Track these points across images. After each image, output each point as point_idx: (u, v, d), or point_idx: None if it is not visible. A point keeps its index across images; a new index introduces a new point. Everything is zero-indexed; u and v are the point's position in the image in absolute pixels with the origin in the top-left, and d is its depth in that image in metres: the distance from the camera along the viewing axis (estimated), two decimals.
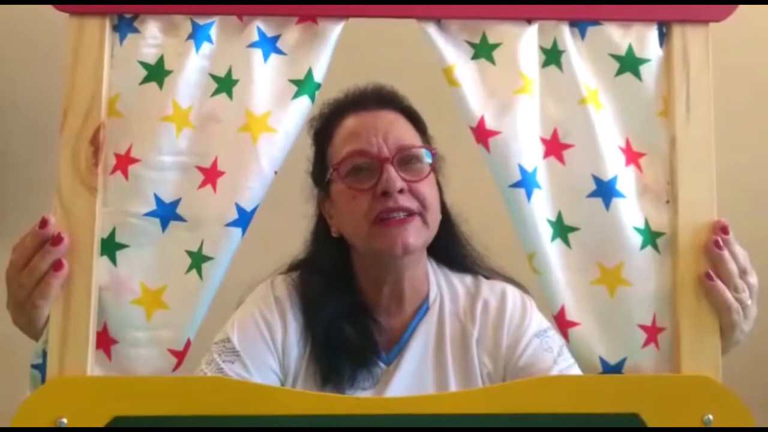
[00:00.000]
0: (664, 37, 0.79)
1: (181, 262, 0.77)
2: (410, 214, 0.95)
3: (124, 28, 0.77)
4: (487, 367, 0.99)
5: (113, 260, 0.76)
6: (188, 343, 0.77)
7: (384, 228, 0.95)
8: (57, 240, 0.73)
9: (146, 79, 0.77)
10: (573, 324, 0.78)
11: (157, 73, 0.77)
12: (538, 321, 1.02)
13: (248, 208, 0.76)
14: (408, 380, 0.99)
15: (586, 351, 0.79)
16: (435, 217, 0.99)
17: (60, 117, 0.75)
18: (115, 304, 0.76)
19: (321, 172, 1.03)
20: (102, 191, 0.76)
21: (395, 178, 0.94)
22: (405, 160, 0.97)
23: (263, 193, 0.77)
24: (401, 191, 0.94)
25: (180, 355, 0.77)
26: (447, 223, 1.06)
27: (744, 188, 1.55)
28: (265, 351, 0.98)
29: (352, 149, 0.97)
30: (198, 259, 0.76)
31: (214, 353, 0.97)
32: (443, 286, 1.05)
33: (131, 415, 0.70)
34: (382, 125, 0.98)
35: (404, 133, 0.99)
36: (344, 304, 1.01)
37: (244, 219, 0.76)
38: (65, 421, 0.70)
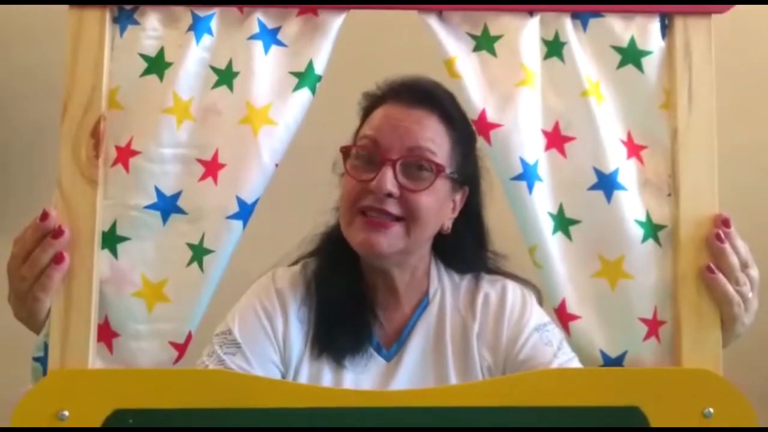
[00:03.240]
0: (666, 29, 0.79)
1: (182, 254, 0.76)
2: (394, 219, 0.94)
3: (124, 19, 0.77)
4: (487, 360, 0.99)
5: (114, 253, 0.76)
6: (189, 336, 0.77)
7: (363, 223, 0.95)
8: (58, 233, 0.73)
9: (146, 72, 0.77)
10: (574, 317, 0.78)
11: (157, 65, 0.77)
12: (538, 315, 1.01)
13: (249, 200, 0.76)
14: (410, 376, 0.98)
15: (587, 344, 0.79)
16: (422, 228, 0.96)
17: (60, 109, 0.75)
18: (116, 297, 0.76)
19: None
20: (103, 184, 0.76)
21: (387, 181, 0.92)
22: (411, 164, 0.94)
23: (264, 186, 0.77)
24: (390, 195, 0.93)
25: (181, 348, 0.77)
26: (470, 238, 1.06)
27: (746, 181, 1.55)
28: (266, 343, 0.98)
29: (368, 136, 0.97)
30: (199, 252, 0.76)
31: (215, 345, 0.97)
32: (444, 281, 1.04)
33: (132, 407, 0.70)
34: (406, 123, 0.96)
35: (427, 134, 0.96)
36: (344, 285, 1.01)
37: (245, 212, 0.76)
38: (66, 413, 0.70)
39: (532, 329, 0.99)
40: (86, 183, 0.75)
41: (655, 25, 0.78)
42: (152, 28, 0.77)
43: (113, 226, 0.76)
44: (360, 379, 0.98)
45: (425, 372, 0.99)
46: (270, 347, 0.98)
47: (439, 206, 0.98)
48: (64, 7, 0.76)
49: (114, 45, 0.77)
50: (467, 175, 1.02)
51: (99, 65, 0.76)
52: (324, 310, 1.00)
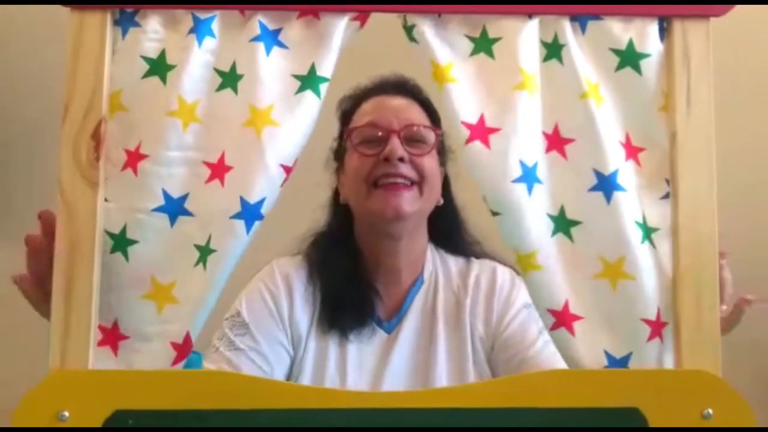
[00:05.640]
0: (664, 32, 0.79)
1: (189, 256, 0.77)
2: (408, 184, 1.04)
3: (125, 22, 0.77)
4: (479, 331, 1.08)
5: (126, 256, 0.76)
6: (187, 337, 0.77)
7: (381, 191, 1.04)
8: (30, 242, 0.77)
9: (148, 74, 0.77)
10: (577, 317, 0.78)
11: (159, 67, 0.77)
12: (525, 294, 1.09)
13: (252, 200, 0.76)
14: (407, 346, 1.07)
15: (591, 344, 0.79)
16: (431, 190, 1.07)
17: (61, 111, 0.75)
18: (127, 300, 0.76)
19: (340, 147, 1.13)
20: (112, 187, 0.76)
21: (398, 147, 1.03)
22: (410, 136, 1.06)
23: (271, 187, 0.77)
24: (402, 160, 1.03)
25: (180, 348, 0.77)
26: (451, 213, 1.16)
27: (744, 184, 1.55)
28: (272, 324, 1.05)
29: (366, 121, 1.08)
30: (205, 253, 0.76)
31: (225, 328, 1.04)
32: (438, 264, 1.14)
33: (132, 408, 0.71)
34: (396, 107, 1.08)
35: (415, 116, 1.08)
36: (346, 267, 1.10)
37: (248, 212, 0.76)
38: (66, 414, 0.70)
39: (521, 306, 1.08)
40: (87, 185, 0.75)
41: (653, 27, 0.78)
42: (153, 31, 0.78)
43: (123, 229, 0.76)
44: (363, 350, 1.07)
45: (420, 343, 1.07)
46: (276, 327, 1.05)
47: (437, 172, 1.09)
48: (65, 8, 0.76)
49: (116, 48, 0.77)
50: (444, 158, 1.14)
51: (100, 68, 0.76)
52: (328, 291, 1.08)
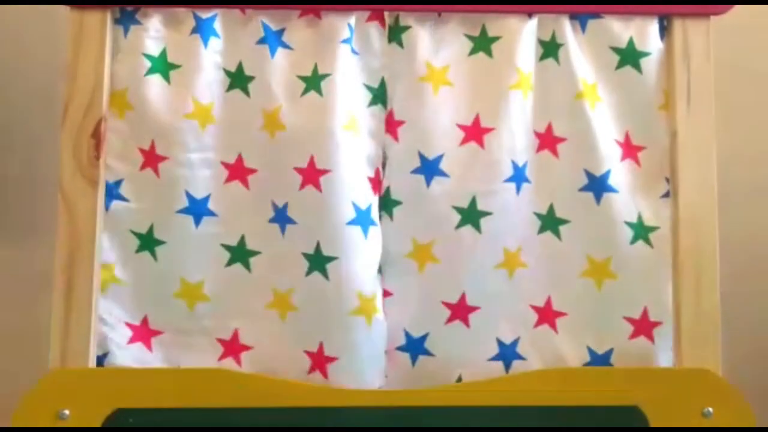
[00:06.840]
0: (664, 31, 0.79)
1: (217, 255, 0.78)
2: None
3: (126, 20, 0.77)
4: None
5: (154, 256, 0.77)
6: (236, 333, 0.78)
7: None
8: None
9: (150, 71, 0.77)
10: (561, 314, 0.79)
11: (161, 65, 0.77)
12: None
13: (280, 204, 0.77)
14: None
15: (574, 341, 0.79)
16: None
17: (61, 112, 0.75)
18: (157, 298, 0.77)
19: None
20: (132, 186, 0.77)
21: None
22: None
23: (291, 191, 0.76)
24: None
25: (228, 345, 0.78)
26: None
27: (744, 183, 1.55)
28: None
29: None
30: (244, 254, 0.77)
31: None
32: None
33: (133, 407, 0.71)
34: None
35: None
36: None
37: (279, 215, 0.77)
38: (67, 412, 0.70)
39: None
40: (87, 184, 0.75)
41: (653, 26, 0.79)
42: (155, 29, 0.78)
43: (150, 229, 0.77)
44: None
45: None
46: None
47: None
48: (65, 7, 0.76)
49: (119, 46, 0.77)
50: None
51: (100, 67, 0.76)
52: None
